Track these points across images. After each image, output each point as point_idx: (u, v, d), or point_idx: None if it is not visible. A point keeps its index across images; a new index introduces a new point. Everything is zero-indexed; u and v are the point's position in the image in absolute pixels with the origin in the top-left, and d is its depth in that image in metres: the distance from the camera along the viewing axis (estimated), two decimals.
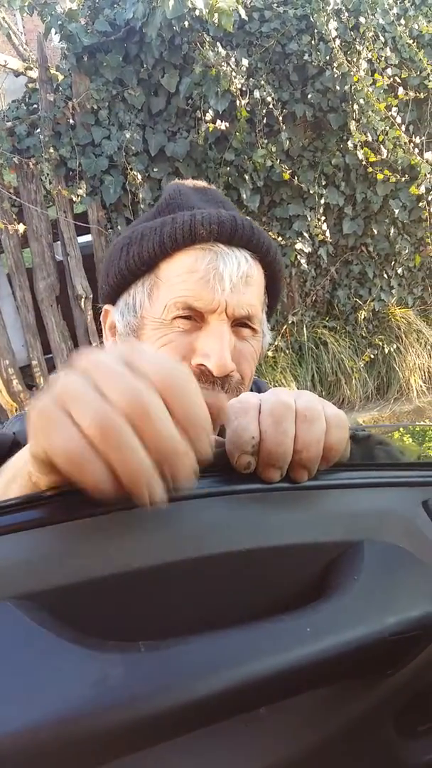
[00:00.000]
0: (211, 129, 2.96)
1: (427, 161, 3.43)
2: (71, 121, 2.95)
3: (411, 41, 3.34)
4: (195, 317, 0.76)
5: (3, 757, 0.28)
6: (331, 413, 0.48)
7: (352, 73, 3.13)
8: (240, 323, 0.79)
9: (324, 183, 3.44)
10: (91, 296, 3.15)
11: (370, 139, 3.31)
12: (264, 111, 3.09)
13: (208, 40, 2.90)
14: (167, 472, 0.36)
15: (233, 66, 2.94)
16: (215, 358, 0.73)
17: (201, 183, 0.93)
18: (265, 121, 3.13)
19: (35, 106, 3.02)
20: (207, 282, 0.75)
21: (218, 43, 2.94)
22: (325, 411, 0.47)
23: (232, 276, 0.75)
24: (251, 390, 0.96)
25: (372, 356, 3.73)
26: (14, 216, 3.04)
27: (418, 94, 3.45)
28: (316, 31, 3.08)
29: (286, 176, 3.16)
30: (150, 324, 0.78)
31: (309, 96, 3.22)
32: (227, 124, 2.98)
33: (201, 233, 0.75)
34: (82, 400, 0.35)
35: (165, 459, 0.35)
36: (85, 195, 2.94)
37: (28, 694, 0.29)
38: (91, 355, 0.38)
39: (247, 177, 3.22)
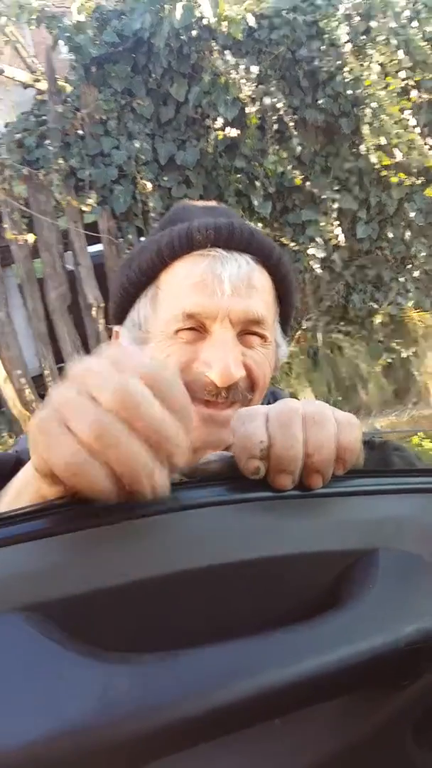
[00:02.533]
0: (220, 137, 2.96)
1: None
2: (80, 131, 2.98)
3: (423, 43, 3.32)
4: (198, 328, 0.75)
5: None
6: (341, 415, 0.48)
7: (363, 77, 3.11)
8: (247, 331, 0.76)
9: (337, 188, 3.42)
10: (103, 305, 3.15)
11: (383, 142, 3.27)
12: (274, 117, 3.08)
13: (216, 48, 2.91)
14: (164, 457, 0.37)
15: (242, 73, 2.94)
16: (218, 368, 0.71)
17: (211, 203, 0.93)
18: (275, 128, 3.12)
19: (44, 117, 3.05)
20: (206, 286, 0.73)
21: (227, 51, 2.94)
22: (334, 414, 0.47)
23: (232, 278, 0.73)
24: (268, 400, 0.94)
25: (389, 361, 3.69)
26: (24, 227, 3.06)
27: (431, 96, 3.42)
28: (326, 36, 3.06)
29: (298, 182, 3.14)
30: (155, 337, 0.77)
31: (320, 101, 3.20)
32: (237, 132, 2.97)
33: (197, 239, 0.74)
34: (75, 408, 0.36)
35: (159, 444, 0.36)
36: (95, 205, 2.95)
37: (33, 706, 0.29)
38: (80, 363, 0.40)
39: (258, 184, 3.20)
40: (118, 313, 0.86)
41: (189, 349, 0.74)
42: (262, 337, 0.77)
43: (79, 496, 0.39)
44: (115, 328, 0.87)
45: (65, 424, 0.36)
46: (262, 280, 0.77)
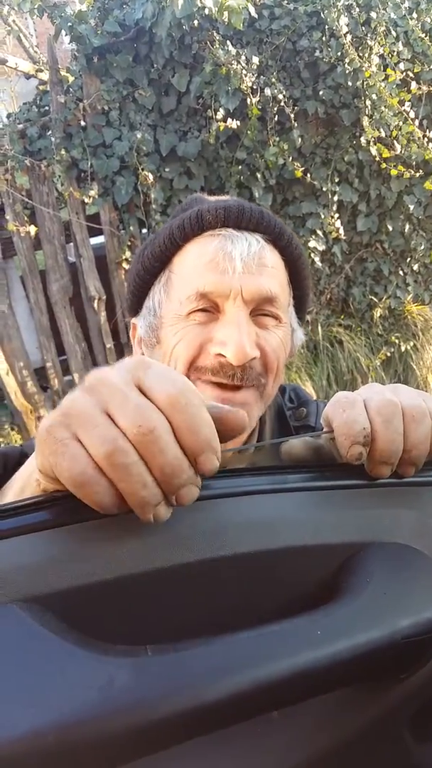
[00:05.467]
0: (222, 128, 2.95)
1: None
2: (82, 122, 2.96)
3: (423, 35, 3.30)
4: (211, 309, 0.74)
5: (8, 761, 0.27)
6: None
7: (363, 68, 3.09)
8: (261, 312, 0.75)
9: (337, 180, 3.41)
10: (105, 297, 3.15)
11: (383, 134, 3.27)
12: (275, 109, 3.07)
13: (218, 38, 2.89)
14: (171, 493, 0.36)
15: (244, 64, 2.92)
16: (232, 346, 0.69)
17: (224, 196, 0.91)
18: (276, 119, 3.11)
19: (46, 108, 3.03)
20: (217, 264, 0.72)
21: (228, 42, 2.92)
22: (429, 407, 0.48)
23: (243, 255, 0.72)
24: (291, 399, 0.94)
25: (388, 354, 3.69)
26: (26, 218, 3.05)
27: (431, 89, 3.41)
28: (326, 27, 3.05)
29: (299, 174, 3.14)
30: (167, 321, 0.76)
31: (321, 93, 3.19)
32: (238, 123, 2.96)
33: (207, 219, 0.74)
34: (90, 423, 0.35)
35: (170, 482, 0.36)
36: (96, 196, 2.94)
37: (33, 697, 0.29)
38: (100, 373, 0.38)
39: (259, 175, 3.19)
40: (134, 304, 0.85)
41: (202, 330, 0.73)
42: (276, 317, 0.76)
43: None
44: (132, 320, 0.86)
45: (76, 434, 0.36)
46: (273, 258, 0.76)
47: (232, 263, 0.71)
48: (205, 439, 0.36)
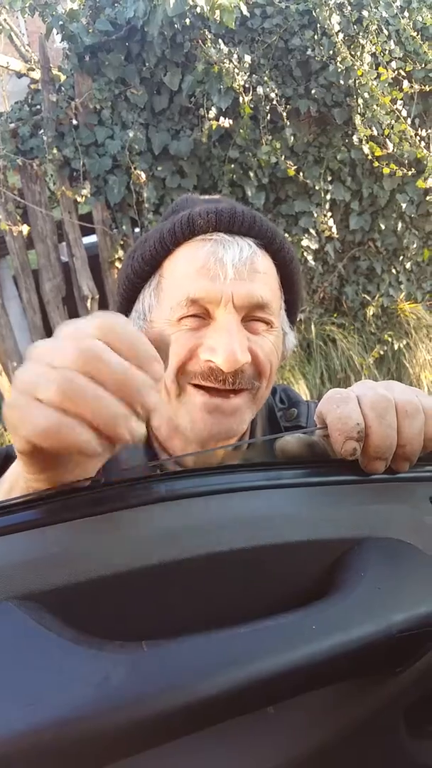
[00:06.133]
0: (214, 126, 2.95)
1: None
2: (74, 121, 2.95)
3: (415, 33, 3.31)
4: (202, 314, 0.73)
5: (5, 758, 0.27)
6: (428, 404, 0.49)
7: (356, 67, 3.10)
8: (252, 317, 0.74)
9: (330, 179, 3.42)
10: (98, 296, 3.14)
11: (375, 133, 3.28)
12: (268, 107, 3.07)
13: (210, 37, 2.89)
14: (136, 403, 0.38)
15: (236, 63, 2.93)
16: (223, 353, 0.69)
17: (215, 196, 0.90)
18: (269, 118, 3.12)
19: (38, 107, 3.02)
20: (208, 270, 0.71)
21: (220, 40, 2.92)
22: (422, 403, 0.48)
23: (234, 262, 0.71)
24: (281, 400, 0.94)
25: (381, 352, 3.70)
26: (19, 218, 3.04)
27: (423, 87, 3.42)
28: (318, 25, 3.05)
29: (291, 172, 3.14)
30: (158, 326, 0.75)
31: (313, 91, 3.19)
32: (231, 122, 2.96)
33: (199, 224, 0.73)
34: (38, 378, 0.37)
35: (128, 392, 0.37)
36: (89, 195, 2.94)
37: (29, 694, 0.29)
38: (36, 343, 0.41)
39: (251, 174, 3.20)
40: (123, 306, 0.84)
41: (193, 335, 0.72)
42: (268, 323, 0.75)
43: (72, 485, 0.40)
44: None
45: (33, 396, 0.37)
46: (265, 264, 0.75)
47: (223, 269, 0.70)
48: (144, 348, 0.39)
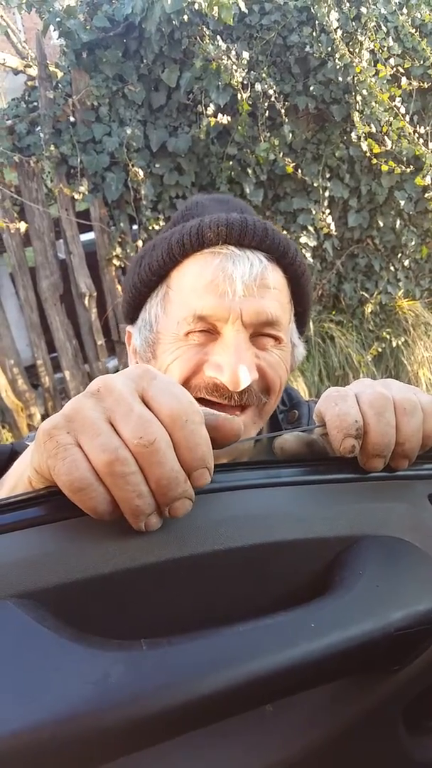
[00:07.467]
0: (212, 123, 2.94)
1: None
2: (71, 118, 2.94)
3: (414, 30, 3.30)
4: (209, 330, 0.72)
5: (4, 757, 0.27)
6: (426, 401, 0.49)
7: (354, 64, 3.09)
8: (261, 333, 0.73)
9: (328, 176, 3.41)
10: (95, 294, 3.14)
11: (374, 130, 3.27)
12: (266, 104, 3.06)
13: (208, 33, 2.88)
14: (165, 504, 0.37)
15: (234, 59, 2.92)
16: (228, 373, 0.68)
17: (225, 196, 0.89)
18: (267, 115, 3.11)
19: (35, 104, 3.01)
20: (216, 286, 0.69)
21: (218, 37, 2.91)
22: (420, 400, 0.49)
23: (244, 278, 0.69)
24: (283, 401, 0.93)
25: (380, 350, 3.70)
26: (16, 215, 3.03)
27: (421, 84, 3.41)
28: (317, 22, 3.04)
29: (290, 170, 3.14)
30: (164, 338, 0.74)
31: (311, 88, 3.19)
32: (229, 118, 2.96)
33: (208, 236, 0.71)
34: (93, 430, 0.36)
35: (165, 494, 0.37)
36: (86, 192, 2.93)
37: (28, 693, 0.29)
38: (106, 380, 0.39)
39: (250, 171, 3.19)
40: (130, 313, 0.83)
41: (199, 350, 0.71)
42: (276, 338, 0.74)
43: None
44: (128, 328, 0.85)
45: (78, 440, 0.36)
46: (276, 279, 0.73)
47: (232, 285, 0.69)
48: (201, 457, 0.38)
